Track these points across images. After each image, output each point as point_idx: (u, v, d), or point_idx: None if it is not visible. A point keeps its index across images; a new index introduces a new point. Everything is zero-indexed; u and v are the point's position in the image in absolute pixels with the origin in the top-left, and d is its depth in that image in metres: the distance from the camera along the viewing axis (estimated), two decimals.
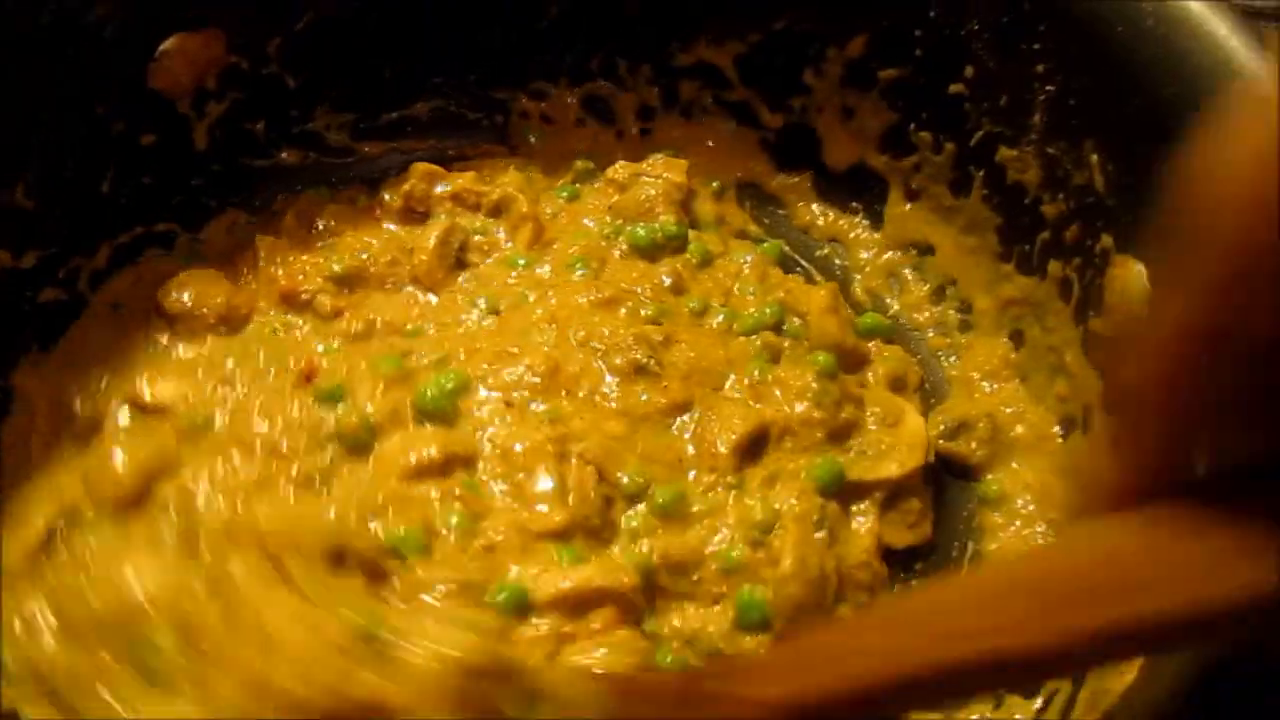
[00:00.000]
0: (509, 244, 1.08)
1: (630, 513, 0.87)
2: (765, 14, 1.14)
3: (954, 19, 1.03)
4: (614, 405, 0.92)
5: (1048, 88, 0.97)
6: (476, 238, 1.08)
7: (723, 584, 0.85)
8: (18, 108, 0.93)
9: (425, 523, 0.82)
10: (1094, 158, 0.94)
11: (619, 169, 1.12)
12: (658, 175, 1.11)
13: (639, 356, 0.94)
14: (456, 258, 1.06)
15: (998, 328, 1.08)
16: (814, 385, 0.95)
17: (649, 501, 0.88)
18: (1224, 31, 0.84)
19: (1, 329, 0.96)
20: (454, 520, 0.83)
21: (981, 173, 1.08)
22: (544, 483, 0.86)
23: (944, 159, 1.11)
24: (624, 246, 1.07)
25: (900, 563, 0.95)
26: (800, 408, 0.94)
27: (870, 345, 1.05)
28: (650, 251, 1.06)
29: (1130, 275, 0.91)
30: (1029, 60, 0.97)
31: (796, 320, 1.02)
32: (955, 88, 1.06)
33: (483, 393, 0.92)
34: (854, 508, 0.93)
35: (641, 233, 1.06)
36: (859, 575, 0.90)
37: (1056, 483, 0.97)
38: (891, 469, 0.94)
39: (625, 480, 0.88)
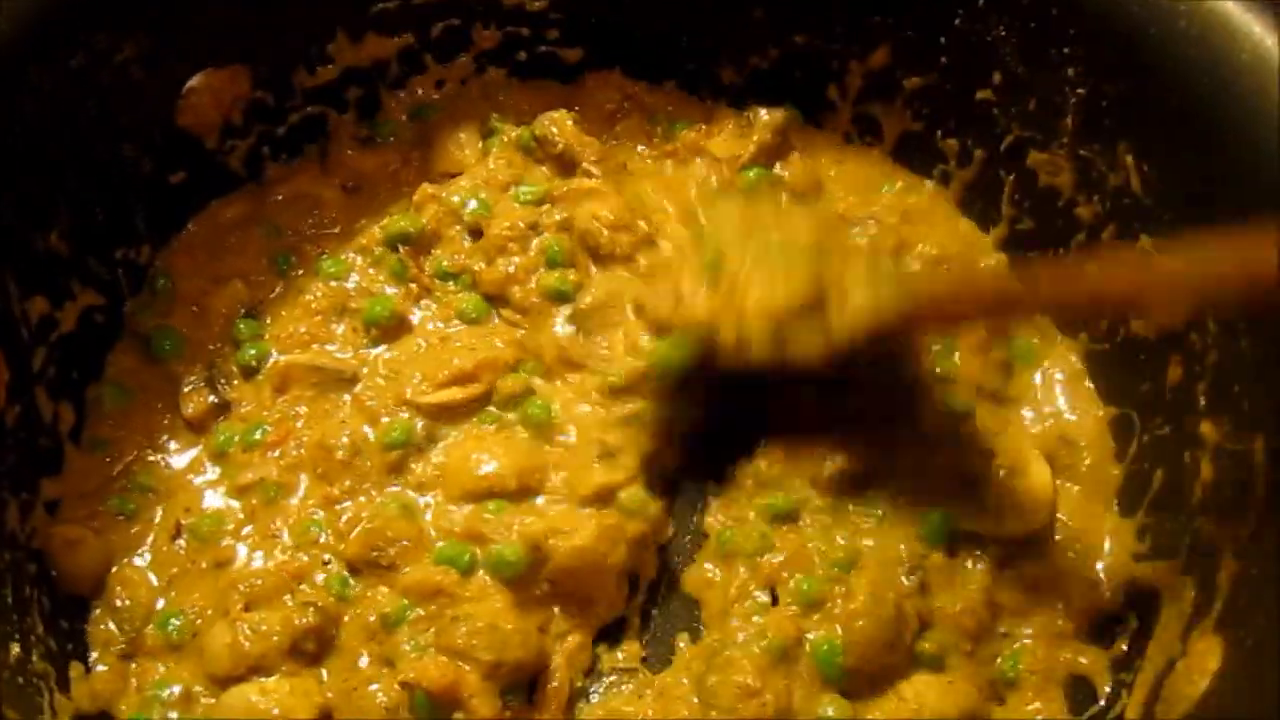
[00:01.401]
0: None
1: None
2: (784, 29, 1.13)
3: (979, 25, 1.03)
4: None
5: (1079, 91, 0.97)
6: None
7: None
8: (50, 151, 0.92)
9: None
10: (1129, 159, 0.94)
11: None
12: None
13: None
14: None
15: None
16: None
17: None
18: (1259, 30, 0.84)
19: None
20: None
21: (1012, 177, 1.07)
22: None
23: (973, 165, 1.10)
24: None
25: None
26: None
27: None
28: None
29: None
30: (1059, 65, 0.97)
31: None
32: (983, 94, 1.06)
33: None
34: (967, 558, 0.92)
35: None
36: (964, 622, 0.88)
37: None
38: (1013, 526, 0.93)
39: None
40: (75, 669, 0.86)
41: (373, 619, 0.86)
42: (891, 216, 1.11)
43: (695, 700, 0.84)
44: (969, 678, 0.86)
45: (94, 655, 0.88)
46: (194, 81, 1.01)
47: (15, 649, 0.81)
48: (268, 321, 1.03)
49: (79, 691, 0.85)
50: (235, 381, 1.00)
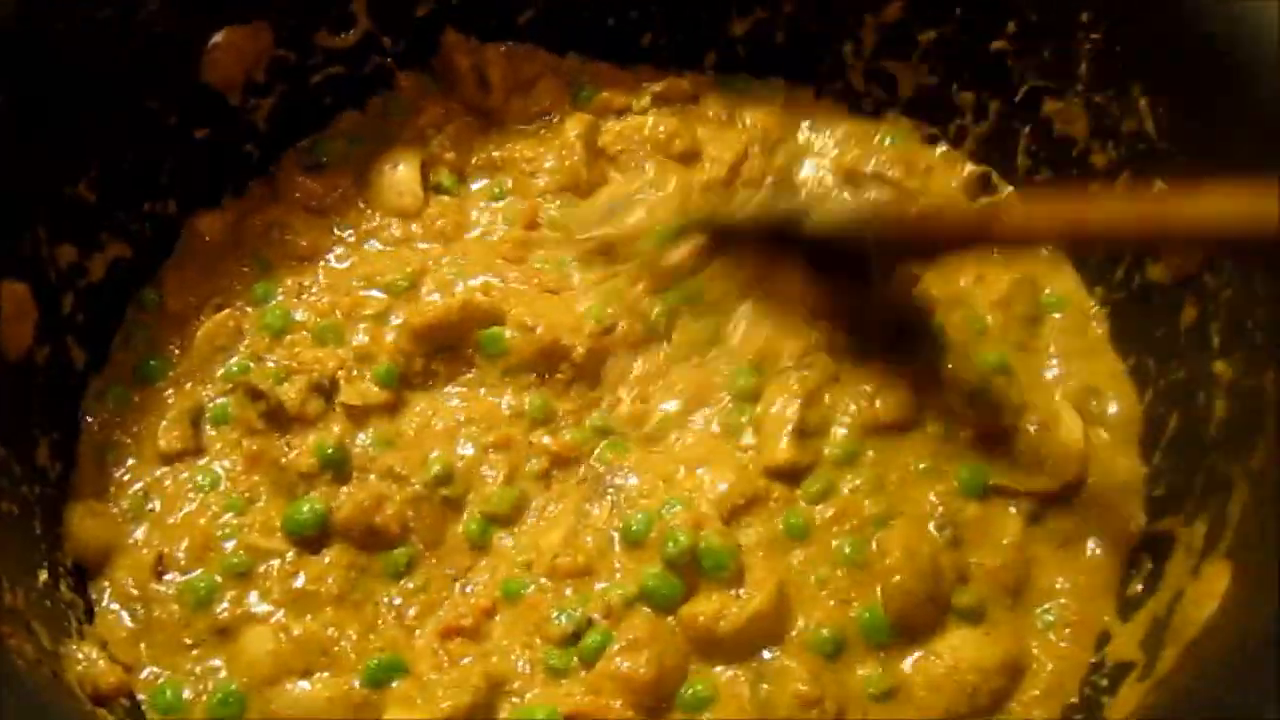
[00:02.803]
0: None
1: None
2: None
3: None
4: None
5: (1093, 36, 0.97)
6: None
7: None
8: (78, 101, 0.94)
9: None
10: (1143, 103, 0.94)
11: None
12: None
13: None
14: None
15: None
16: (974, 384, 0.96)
17: None
18: None
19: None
20: None
21: (1027, 129, 1.07)
22: None
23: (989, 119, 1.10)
24: None
25: None
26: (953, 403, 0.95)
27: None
28: None
29: None
30: (1073, 10, 0.97)
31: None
32: (998, 45, 1.06)
33: None
34: (999, 512, 0.92)
35: None
36: (1002, 577, 0.88)
37: None
38: (1043, 481, 0.93)
39: None
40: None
41: None
42: (896, 171, 1.11)
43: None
44: (1008, 631, 0.87)
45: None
46: (218, 37, 1.03)
47: (44, 575, 0.84)
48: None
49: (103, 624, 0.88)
50: (209, 429, 0.98)
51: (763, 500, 0.91)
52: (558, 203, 1.09)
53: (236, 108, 1.09)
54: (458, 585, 0.90)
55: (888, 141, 1.14)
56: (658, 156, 1.11)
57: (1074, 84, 1.00)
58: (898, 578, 0.85)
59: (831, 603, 0.87)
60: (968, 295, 1.04)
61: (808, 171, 1.13)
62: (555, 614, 0.86)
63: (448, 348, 1.00)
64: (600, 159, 1.12)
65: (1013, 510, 0.92)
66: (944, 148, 1.14)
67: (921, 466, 0.94)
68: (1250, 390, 0.81)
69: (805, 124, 1.16)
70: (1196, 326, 0.90)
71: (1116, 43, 0.95)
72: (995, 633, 0.86)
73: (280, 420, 0.96)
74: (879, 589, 0.86)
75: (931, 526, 0.89)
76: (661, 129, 1.12)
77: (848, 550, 0.88)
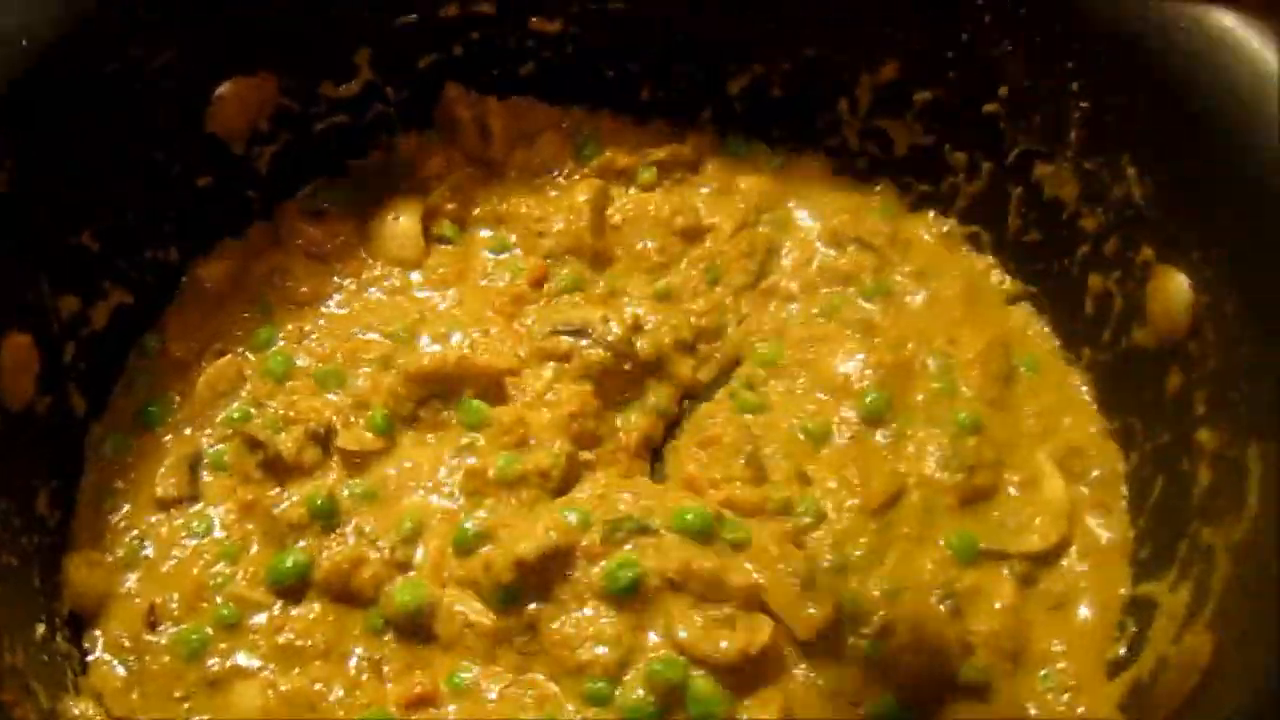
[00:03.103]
0: None
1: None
2: (794, 41, 1.16)
3: (986, 40, 1.05)
4: None
5: (1082, 104, 0.99)
6: None
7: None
8: (85, 153, 0.96)
9: None
10: (1131, 170, 0.96)
11: None
12: None
13: None
14: None
15: None
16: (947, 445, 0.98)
17: None
18: (1258, 44, 0.85)
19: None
20: None
21: (1019, 190, 1.09)
22: None
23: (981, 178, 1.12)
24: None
25: None
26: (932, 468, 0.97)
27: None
28: None
29: (1173, 286, 0.92)
30: (1063, 79, 0.99)
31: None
32: (990, 107, 1.08)
33: None
34: (992, 576, 0.93)
35: None
36: (1002, 643, 0.89)
37: None
38: (1032, 541, 0.94)
39: None
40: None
41: None
42: (878, 239, 1.14)
43: None
44: (1009, 700, 0.88)
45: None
46: (223, 89, 1.05)
47: (41, 628, 0.84)
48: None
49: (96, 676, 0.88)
50: (206, 475, 0.98)
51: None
52: (572, 266, 1.11)
53: (240, 156, 1.11)
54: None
55: (877, 215, 1.16)
56: (661, 232, 1.14)
57: (1065, 149, 1.02)
58: (908, 658, 0.86)
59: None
60: (941, 358, 1.06)
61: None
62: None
63: (437, 396, 1.02)
64: (607, 228, 1.14)
65: (1005, 573, 0.93)
66: (931, 215, 1.17)
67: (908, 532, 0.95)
68: (1233, 462, 0.83)
69: (796, 190, 1.18)
70: (1182, 393, 0.92)
71: (1106, 112, 0.97)
72: (999, 702, 0.87)
73: (277, 470, 0.97)
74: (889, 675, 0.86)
75: (933, 599, 0.90)
76: (667, 209, 1.15)
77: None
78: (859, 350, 1.06)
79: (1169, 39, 0.90)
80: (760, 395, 1.05)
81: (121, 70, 0.97)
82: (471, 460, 0.98)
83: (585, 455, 0.99)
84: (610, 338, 1.03)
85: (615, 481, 0.97)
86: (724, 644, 0.85)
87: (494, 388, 1.02)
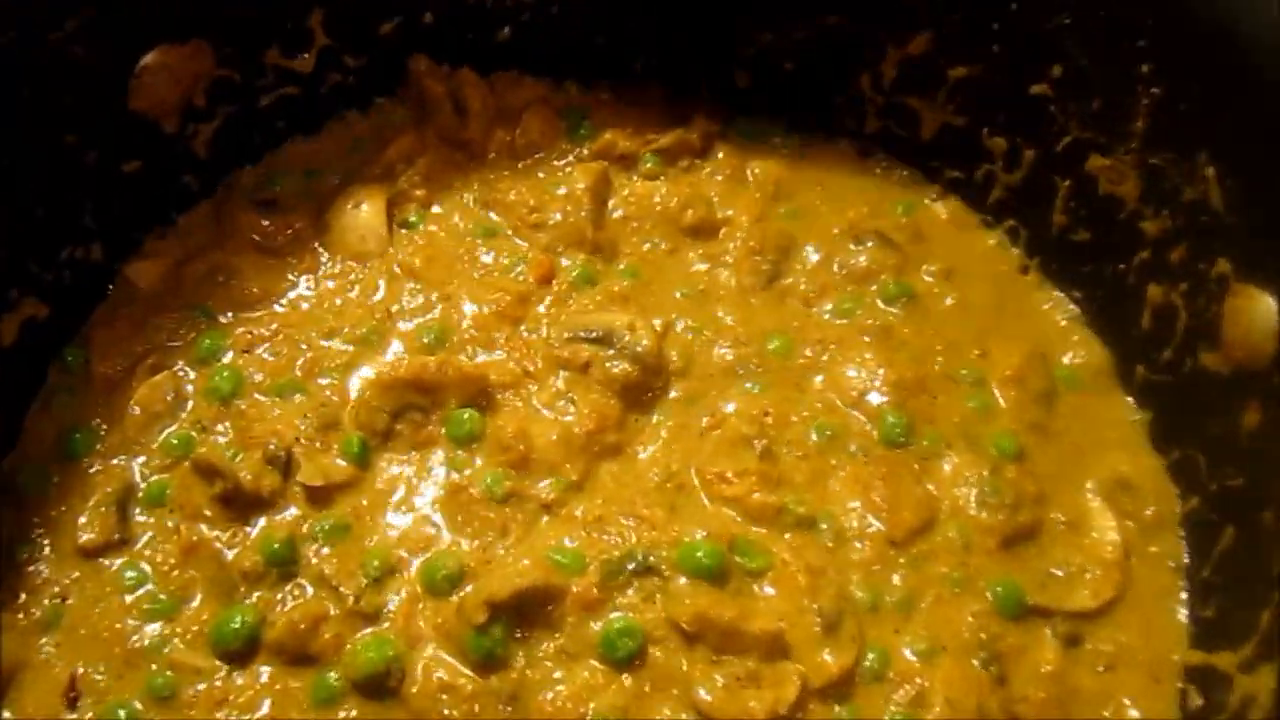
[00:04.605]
0: None
1: None
2: (811, 5, 1.01)
3: (1040, 12, 0.91)
4: None
5: (1153, 90, 0.86)
6: None
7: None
8: None
9: None
10: (1210, 171, 0.83)
11: None
12: None
13: None
14: None
15: None
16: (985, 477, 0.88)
17: None
18: None
19: None
20: None
21: (1067, 183, 0.96)
22: None
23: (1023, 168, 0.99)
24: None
25: None
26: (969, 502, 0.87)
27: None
28: None
29: (1257, 308, 0.80)
30: (1131, 60, 0.86)
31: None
32: (1038, 88, 0.94)
33: None
34: (1037, 635, 0.83)
35: None
36: (1048, 712, 0.79)
37: None
38: (1083, 598, 0.84)
39: None
40: None
41: None
42: (900, 235, 1.02)
43: None
44: None
45: None
46: (148, 59, 0.90)
47: None
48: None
49: None
50: (139, 514, 0.86)
51: None
52: (580, 261, 0.98)
53: (173, 136, 0.96)
54: None
55: (899, 208, 1.04)
56: (669, 229, 1.00)
57: (1127, 141, 0.89)
58: None
59: None
60: (973, 371, 0.95)
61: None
62: None
63: (416, 407, 0.89)
64: (609, 219, 1.01)
65: (1048, 632, 0.83)
66: (960, 207, 1.04)
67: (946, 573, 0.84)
68: None
69: (814, 176, 1.05)
70: (1262, 432, 0.80)
71: (1182, 100, 0.84)
72: None
73: (235, 504, 0.84)
74: None
75: (976, 663, 0.80)
76: (675, 201, 1.01)
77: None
78: (877, 362, 0.95)
79: (1263, 18, 0.76)
80: (770, 391, 0.93)
81: (18, 40, 0.81)
82: (455, 476, 0.86)
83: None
84: (639, 348, 0.90)
85: (614, 498, 0.86)
86: (753, 704, 0.77)
87: (482, 395, 0.89)
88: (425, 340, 0.93)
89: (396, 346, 0.93)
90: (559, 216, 0.99)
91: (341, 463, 0.86)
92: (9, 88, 0.81)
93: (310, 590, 0.82)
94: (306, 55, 0.99)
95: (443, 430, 0.88)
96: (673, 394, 0.92)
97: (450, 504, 0.85)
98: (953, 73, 1.00)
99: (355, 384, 0.91)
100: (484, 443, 0.87)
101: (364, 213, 0.99)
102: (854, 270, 1.01)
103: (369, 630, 0.80)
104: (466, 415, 0.88)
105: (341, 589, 0.81)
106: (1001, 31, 0.95)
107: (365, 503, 0.86)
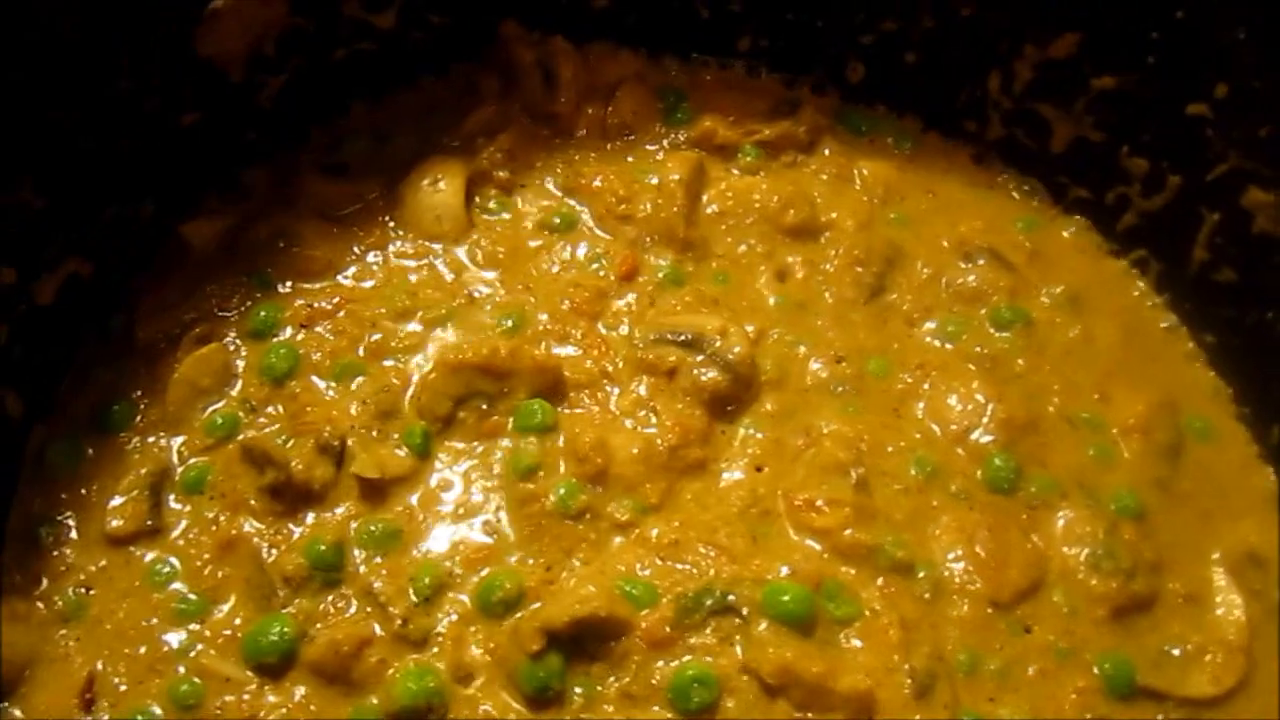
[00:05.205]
0: None
1: None
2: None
3: (1211, 22, 0.81)
4: None
5: None
6: None
7: None
8: (24, 83, 0.74)
9: None
10: None
11: None
12: None
13: None
14: None
15: None
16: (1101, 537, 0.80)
17: None
18: None
19: None
20: None
21: (1216, 216, 0.87)
22: None
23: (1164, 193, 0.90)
24: None
25: None
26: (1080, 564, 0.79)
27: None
28: None
29: None
30: None
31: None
32: (1196, 108, 0.85)
33: None
34: None
35: None
36: None
37: None
38: (1201, 684, 0.76)
39: None
40: None
41: None
42: (1017, 254, 0.94)
43: None
44: None
45: None
46: (218, 3, 0.83)
47: None
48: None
49: None
50: (174, 500, 0.79)
51: None
52: (669, 260, 0.90)
53: (239, 86, 0.89)
54: None
55: (1019, 224, 0.96)
56: (767, 229, 0.92)
57: None
58: None
59: None
60: (1094, 416, 0.87)
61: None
62: None
63: (481, 395, 0.81)
64: (702, 216, 0.92)
65: (1160, 719, 0.76)
66: (1087, 229, 0.96)
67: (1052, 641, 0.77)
68: None
69: (924, 181, 0.97)
70: None
71: None
72: None
73: (285, 497, 0.77)
74: None
75: None
76: (775, 199, 0.93)
77: None
78: (985, 394, 0.86)
79: None
80: (866, 415, 0.85)
81: None
82: (529, 486, 0.79)
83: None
84: (731, 355, 0.83)
85: (692, 521, 0.79)
86: None
87: (555, 389, 0.83)
88: (503, 326, 0.86)
89: (467, 332, 0.86)
90: (648, 209, 0.91)
91: (400, 453, 0.80)
92: (64, 21, 0.74)
93: (355, 606, 0.75)
94: (389, 10, 0.91)
95: (510, 422, 0.81)
96: (766, 406, 0.84)
97: (518, 514, 0.78)
98: (1097, 82, 0.91)
99: (418, 368, 0.84)
100: (558, 449, 0.80)
101: (442, 191, 0.91)
102: (962, 290, 0.93)
103: (413, 657, 0.73)
104: (538, 406, 0.81)
105: (390, 608, 0.74)
106: (1162, 41, 0.86)
107: (419, 502, 0.79)
